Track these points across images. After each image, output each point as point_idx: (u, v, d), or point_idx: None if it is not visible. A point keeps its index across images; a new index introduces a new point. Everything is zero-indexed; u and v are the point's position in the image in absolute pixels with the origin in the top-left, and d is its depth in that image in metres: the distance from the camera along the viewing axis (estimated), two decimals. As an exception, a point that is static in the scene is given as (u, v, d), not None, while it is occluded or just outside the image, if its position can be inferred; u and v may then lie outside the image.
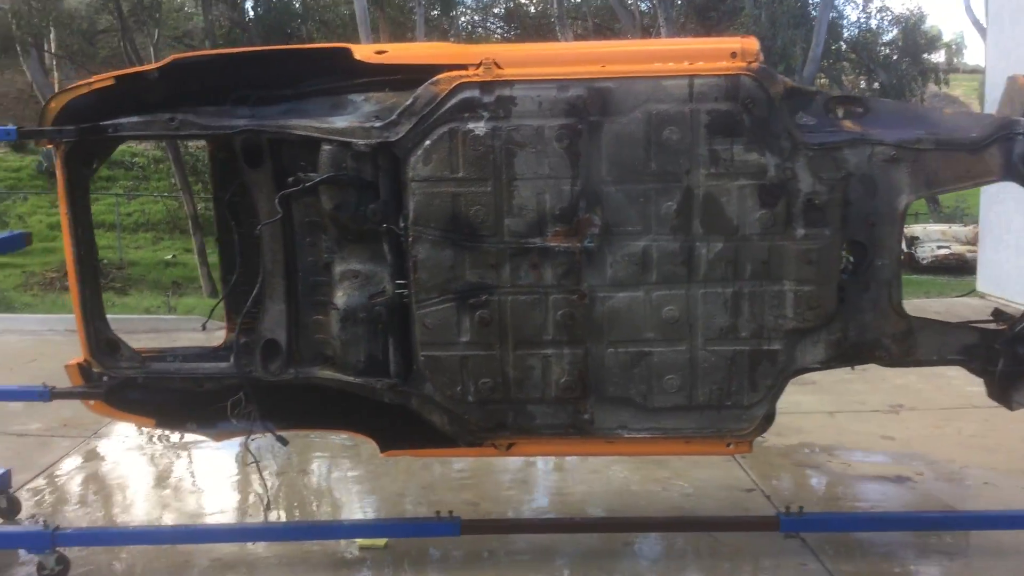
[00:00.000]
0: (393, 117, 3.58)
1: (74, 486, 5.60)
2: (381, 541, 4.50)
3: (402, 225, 3.67)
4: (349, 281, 3.87)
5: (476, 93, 3.52)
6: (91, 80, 3.81)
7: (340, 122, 3.70)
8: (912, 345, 3.77)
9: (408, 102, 3.57)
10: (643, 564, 4.43)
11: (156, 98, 3.85)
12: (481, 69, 3.52)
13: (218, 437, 4.17)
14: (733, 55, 3.51)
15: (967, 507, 4.98)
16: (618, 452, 3.89)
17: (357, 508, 5.22)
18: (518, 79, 3.52)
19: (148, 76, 3.80)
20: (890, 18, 30.59)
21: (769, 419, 3.79)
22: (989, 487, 5.27)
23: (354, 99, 3.84)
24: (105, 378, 4.04)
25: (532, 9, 32.30)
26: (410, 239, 3.63)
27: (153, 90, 3.83)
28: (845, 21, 29.30)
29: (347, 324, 3.85)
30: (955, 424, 6.48)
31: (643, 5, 28.34)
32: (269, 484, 5.37)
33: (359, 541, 4.50)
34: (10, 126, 3.80)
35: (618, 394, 3.74)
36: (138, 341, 4.39)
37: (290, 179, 3.79)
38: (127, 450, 6.24)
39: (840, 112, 3.73)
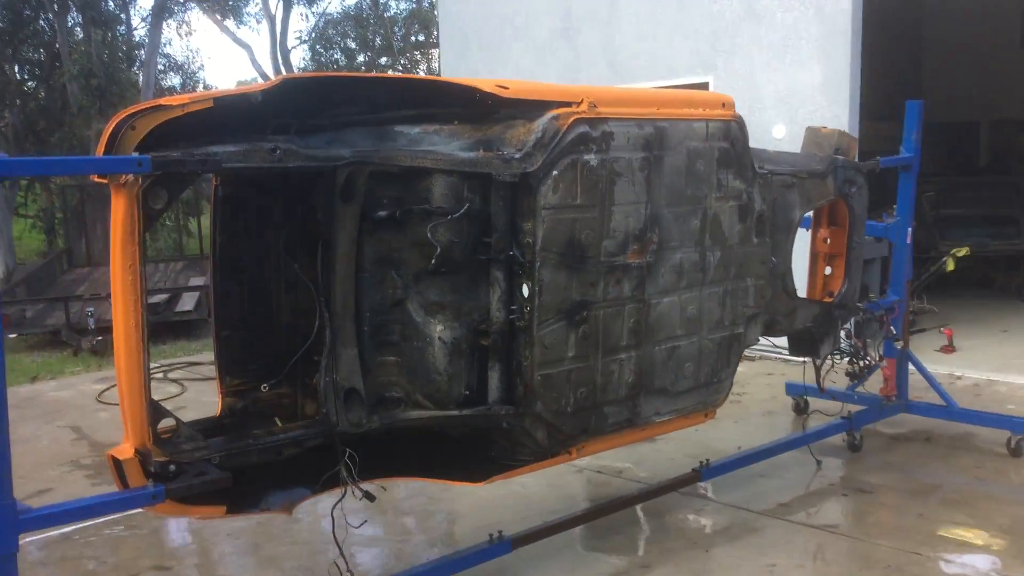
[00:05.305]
0: (528, 149, 3.73)
1: None
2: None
3: (518, 252, 3.81)
4: (441, 314, 3.83)
5: (588, 128, 3.89)
6: (185, 100, 3.10)
7: (461, 153, 3.70)
8: (794, 319, 5.23)
9: (537, 135, 3.75)
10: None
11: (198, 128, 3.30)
12: (585, 106, 3.91)
13: (291, 508, 3.64)
14: (723, 105, 4.52)
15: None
16: (647, 436, 4.50)
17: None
18: (612, 116, 3.99)
19: (251, 98, 3.26)
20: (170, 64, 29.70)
21: (730, 387, 4.85)
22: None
23: (404, 131, 3.83)
24: (172, 467, 3.24)
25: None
26: (537, 264, 3.80)
27: (241, 115, 3.31)
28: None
29: (454, 357, 3.81)
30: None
31: None
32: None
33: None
34: (143, 155, 2.84)
35: (659, 385, 4.42)
36: None
37: (382, 213, 3.69)
38: None
39: None
